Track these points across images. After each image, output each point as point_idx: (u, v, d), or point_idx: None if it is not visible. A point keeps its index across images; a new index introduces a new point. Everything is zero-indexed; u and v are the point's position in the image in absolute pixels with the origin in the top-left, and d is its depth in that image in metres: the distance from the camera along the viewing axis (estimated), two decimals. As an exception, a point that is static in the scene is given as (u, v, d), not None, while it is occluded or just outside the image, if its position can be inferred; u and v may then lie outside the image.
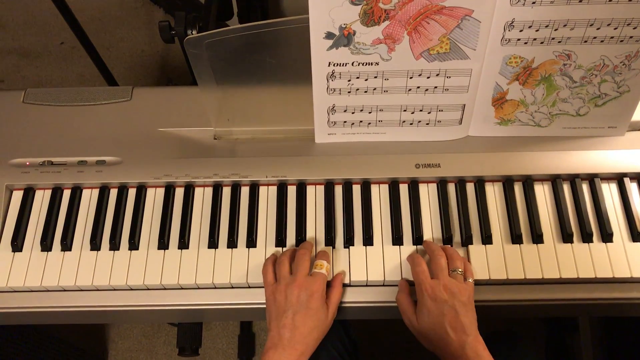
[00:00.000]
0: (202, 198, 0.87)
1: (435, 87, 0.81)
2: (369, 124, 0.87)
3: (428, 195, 0.86)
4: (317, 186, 0.88)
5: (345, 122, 0.87)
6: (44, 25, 2.09)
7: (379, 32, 0.74)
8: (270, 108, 0.89)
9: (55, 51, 2.05)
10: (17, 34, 2.09)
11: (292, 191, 0.87)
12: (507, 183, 0.86)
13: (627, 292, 0.79)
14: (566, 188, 0.86)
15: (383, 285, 0.81)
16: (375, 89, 0.82)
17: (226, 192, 0.87)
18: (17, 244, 0.84)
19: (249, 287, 0.82)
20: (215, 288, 0.82)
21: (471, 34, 0.75)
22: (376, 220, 0.85)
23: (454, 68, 0.79)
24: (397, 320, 0.79)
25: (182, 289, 0.82)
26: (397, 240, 0.83)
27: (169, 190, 0.87)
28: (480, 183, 0.86)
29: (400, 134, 0.88)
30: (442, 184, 0.87)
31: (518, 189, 0.86)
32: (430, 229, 0.84)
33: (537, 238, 0.82)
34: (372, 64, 0.78)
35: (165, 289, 0.82)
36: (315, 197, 0.87)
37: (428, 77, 0.80)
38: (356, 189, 0.87)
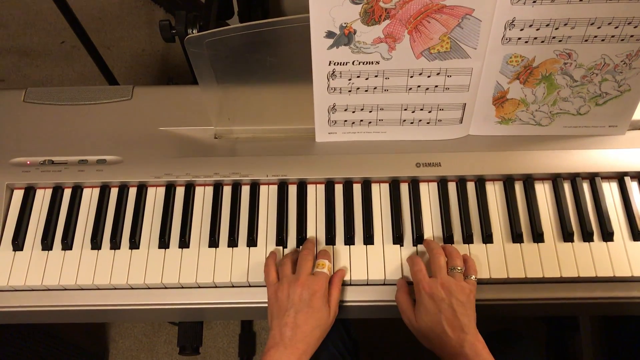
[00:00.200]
0: (203, 197, 0.87)
1: (436, 86, 0.81)
2: (370, 123, 0.87)
3: (429, 194, 0.86)
4: (317, 185, 0.88)
5: (345, 121, 0.87)
6: (44, 25, 2.09)
7: (380, 31, 0.74)
8: (270, 107, 0.89)
9: (56, 50, 2.05)
10: (18, 33, 2.09)
11: (292, 190, 0.87)
12: (508, 182, 0.86)
13: (627, 291, 0.79)
14: (567, 187, 0.86)
15: (383, 285, 0.81)
16: (375, 88, 0.82)
17: (227, 191, 0.87)
18: (17, 243, 0.84)
19: (250, 286, 0.82)
20: (216, 287, 0.82)
21: (472, 33, 0.75)
22: (377, 220, 0.85)
23: (455, 67, 0.79)
24: (397, 319, 0.79)
25: (182, 288, 0.82)
26: (398, 239, 0.83)
27: (170, 189, 0.88)
28: (480, 182, 0.86)
29: (401, 133, 0.88)
30: (442, 183, 0.87)
31: (519, 188, 0.86)
32: (431, 228, 0.84)
33: (538, 237, 0.82)
34: (372, 63, 0.78)
35: (165, 288, 0.82)
36: (315, 196, 0.87)
37: (429, 76, 0.80)
38: (357, 188, 0.87)
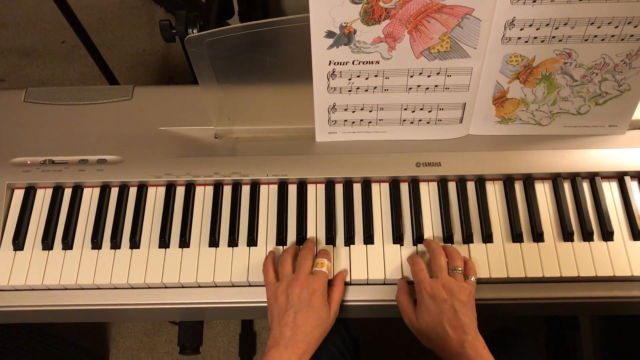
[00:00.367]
0: (203, 197, 0.87)
1: (436, 86, 0.81)
2: (370, 122, 0.87)
3: (429, 194, 0.86)
4: (317, 185, 0.88)
5: (345, 120, 0.87)
6: (45, 25, 2.09)
7: (380, 30, 0.74)
8: (271, 107, 0.89)
9: (56, 50, 2.05)
10: (19, 33, 2.09)
11: (292, 190, 0.87)
12: (508, 182, 0.86)
13: (627, 290, 0.79)
14: (567, 187, 0.86)
15: (384, 284, 0.81)
16: (375, 87, 0.82)
17: (227, 191, 0.88)
18: (18, 243, 0.84)
19: (250, 286, 0.82)
20: (216, 287, 0.82)
21: (472, 32, 0.75)
22: (377, 219, 0.85)
23: (455, 67, 0.79)
24: (398, 319, 0.79)
25: (183, 287, 0.82)
26: (398, 239, 0.83)
27: (170, 189, 0.88)
28: (480, 182, 0.86)
29: (401, 133, 0.88)
30: (442, 182, 0.87)
31: (519, 187, 0.86)
32: (431, 227, 0.84)
33: (538, 237, 0.82)
34: (372, 62, 0.78)
35: (166, 287, 0.82)
36: (315, 195, 0.87)
37: (429, 76, 0.80)
38: (357, 188, 0.87)
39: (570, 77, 0.81)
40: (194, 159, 0.88)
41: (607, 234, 0.82)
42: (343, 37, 0.75)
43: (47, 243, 0.84)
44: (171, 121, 0.92)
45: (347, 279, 0.81)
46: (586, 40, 0.76)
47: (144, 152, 0.89)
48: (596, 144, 0.88)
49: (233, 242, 0.83)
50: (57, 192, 0.88)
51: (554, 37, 0.76)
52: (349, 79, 0.80)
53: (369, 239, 0.83)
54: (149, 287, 0.82)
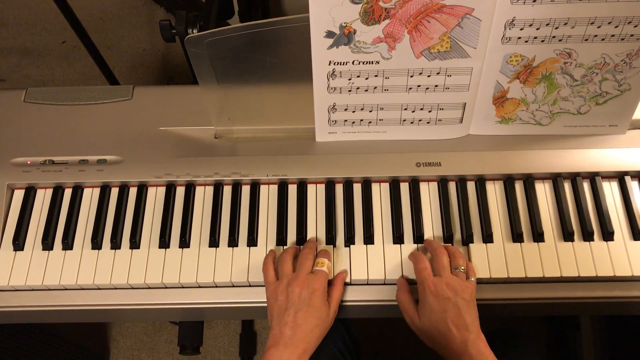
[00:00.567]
0: (203, 197, 0.87)
1: (436, 86, 0.81)
2: (370, 122, 0.87)
3: (429, 194, 0.86)
4: (317, 185, 0.88)
5: (345, 120, 0.87)
6: (45, 25, 2.10)
7: (380, 30, 0.74)
8: (271, 107, 0.89)
9: (56, 50, 2.05)
10: (19, 33, 2.09)
11: (292, 190, 0.87)
12: (508, 181, 0.86)
13: (628, 290, 0.79)
14: (567, 186, 0.86)
15: (384, 284, 0.81)
16: (375, 87, 0.82)
17: (227, 191, 0.88)
18: (18, 243, 0.84)
19: (250, 286, 0.82)
20: (217, 287, 0.82)
21: (472, 32, 0.75)
22: (377, 219, 0.85)
23: (455, 67, 0.79)
24: (398, 319, 0.79)
25: (183, 287, 0.82)
26: (398, 239, 0.83)
27: (170, 189, 0.88)
28: (481, 182, 0.86)
29: (401, 133, 0.88)
30: (442, 182, 0.87)
31: (519, 187, 0.86)
32: (431, 227, 0.84)
33: (538, 236, 0.82)
34: (372, 62, 0.78)
35: (166, 287, 0.82)
36: (316, 195, 0.87)
37: (429, 76, 0.80)
38: (357, 188, 0.87)
39: (571, 77, 0.81)
40: (194, 159, 0.88)
41: (608, 234, 0.82)
42: (343, 37, 0.75)
43: (47, 243, 0.84)
44: (171, 121, 0.92)
45: (347, 279, 0.81)
46: (586, 40, 0.76)
47: (144, 152, 0.89)
48: (596, 143, 0.87)
49: (233, 242, 0.83)
50: (57, 192, 0.88)
51: (554, 36, 0.75)
52: (349, 79, 0.80)
53: (369, 239, 0.83)
54: (149, 288, 0.82)
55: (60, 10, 1.27)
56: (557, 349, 1.45)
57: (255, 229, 0.84)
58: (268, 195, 0.87)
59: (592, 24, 0.74)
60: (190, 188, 0.87)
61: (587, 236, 0.82)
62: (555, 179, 0.86)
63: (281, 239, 0.84)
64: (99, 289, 0.83)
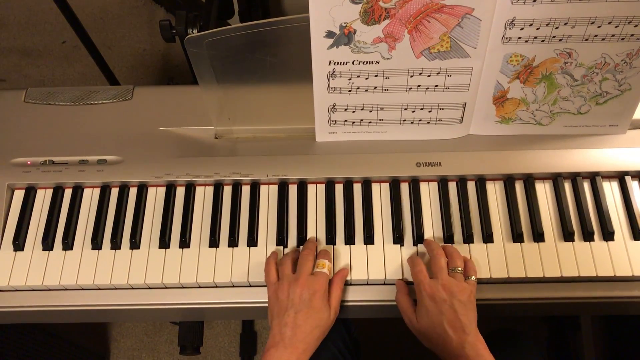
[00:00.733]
0: (203, 197, 0.87)
1: (436, 86, 0.81)
2: (370, 122, 0.87)
3: (429, 193, 0.86)
4: (317, 185, 0.88)
5: (346, 120, 0.87)
6: (45, 25, 2.10)
7: (380, 30, 0.74)
8: (271, 107, 0.89)
9: (56, 50, 2.05)
10: (19, 33, 2.09)
11: (293, 190, 0.87)
12: (508, 181, 0.86)
13: (628, 290, 0.79)
14: (567, 186, 0.86)
15: (384, 284, 0.81)
16: (375, 87, 0.82)
17: (227, 191, 0.88)
18: (18, 243, 0.84)
19: (250, 286, 0.82)
20: (217, 287, 0.82)
21: (472, 32, 0.75)
22: (377, 219, 0.85)
23: (455, 67, 0.79)
24: (398, 319, 0.79)
25: (183, 287, 0.82)
26: (398, 239, 0.83)
27: (170, 189, 0.88)
28: (481, 181, 0.86)
29: (401, 133, 0.88)
30: (443, 182, 0.86)
31: (519, 187, 0.86)
32: (431, 227, 0.84)
33: (538, 237, 0.82)
34: (372, 62, 0.78)
35: (166, 287, 0.82)
36: (316, 196, 0.87)
37: (429, 76, 0.80)
38: (357, 188, 0.87)
39: (571, 77, 0.81)
40: (194, 159, 0.88)
41: (608, 234, 0.82)
42: (343, 37, 0.75)
43: (48, 243, 0.84)
44: (171, 121, 0.92)
45: (348, 278, 0.80)
46: (586, 39, 0.76)
47: (144, 152, 0.89)
48: (597, 143, 0.87)
49: (233, 242, 0.83)
50: (57, 192, 0.88)
51: (554, 36, 0.75)
52: (349, 79, 0.80)
53: (369, 239, 0.83)
54: (149, 288, 0.82)
55: (60, 10, 1.27)
56: (557, 349, 1.45)
57: (255, 229, 0.84)
58: (268, 196, 0.87)
59: (592, 23, 0.74)
60: (190, 188, 0.87)
61: (588, 236, 0.82)
62: (556, 179, 0.86)
63: (281, 239, 0.84)
64: (99, 289, 0.83)
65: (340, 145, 0.89)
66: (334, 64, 0.78)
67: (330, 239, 0.83)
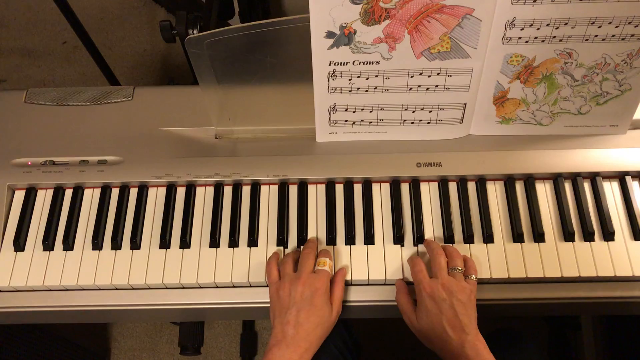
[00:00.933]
0: (204, 197, 0.87)
1: (436, 86, 0.81)
2: (370, 123, 0.87)
3: (429, 194, 0.86)
4: (318, 185, 0.88)
5: (346, 121, 0.87)
6: (46, 25, 2.10)
7: (380, 31, 0.74)
8: (271, 107, 0.89)
9: (57, 51, 2.05)
10: (20, 33, 2.09)
11: (293, 190, 0.87)
12: (509, 182, 0.86)
13: (628, 290, 0.79)
14: (568, 187, 0.86)
15: (384, 285, 0.81)
16: (376, 88, 0.82)
17: (227, 191, 0.88)
18: (19, 244, 0.84)
19: (251, 287, 0.82)
20: (217, 287, 0.82)
21: (472, 32, 0.75)
22: (377, 219, 0.85)
23: (455, 67, 0.79)
24: (398, 319, 0.79)
25: (183, 288, 0.82)
26: (399, 239, 0.83)
27: (171, 189, 0.88)
28: (481, 182, 0.86)
29: (402, 133, 0.88)
30: (443, 182, 0.87)
31: (519, 187, 0.86)
32: (432, 227, 0.84)
33: (539, 237, 0.82)
34: (373, 63, 0.78)
35: (167, 288, 0.82)
36: (316, 196, 0.87)
37: (429, 76, 0.80)
38: (357, 188, 0.87)
39: (571, 77, 0.81)
40: (194, 159, 0.88)
41: (608, 234, 0.82)
42: (343, 37, 0.75)
43: (48, 244, 0.84)
44: (172, 122, 0.92)
45: (348, 279, 0.81)
46: (587, 40, 0.76)
47: (145, 152, 0.89)
48: (597, 143, 0.87)
49: (234, 242, 0.83)
50: (58, 193, 0.88)
51: (554, 37, 0.75)
52: (349, 79, 0.80)
53: (369, 239, 0.83)
54: (150, 288, 0.82)
55: (60, 10, 1.27)
56: (558, 349, 1.45)
57: (255, 230, 0.84)
58: (268, 196, 0.87)
59: (592, 24, 0.74)
60: (190, 188, 0.87)
61: (588, 236, 0.82)
62: (556, 179, 0.86)
63: (282, 240, 0.84)
64: (100, 289, 0.83)
65: (340, 145, 0.90)
66: (334, 64, 0.78)
67: (331, 239, 0.83)
